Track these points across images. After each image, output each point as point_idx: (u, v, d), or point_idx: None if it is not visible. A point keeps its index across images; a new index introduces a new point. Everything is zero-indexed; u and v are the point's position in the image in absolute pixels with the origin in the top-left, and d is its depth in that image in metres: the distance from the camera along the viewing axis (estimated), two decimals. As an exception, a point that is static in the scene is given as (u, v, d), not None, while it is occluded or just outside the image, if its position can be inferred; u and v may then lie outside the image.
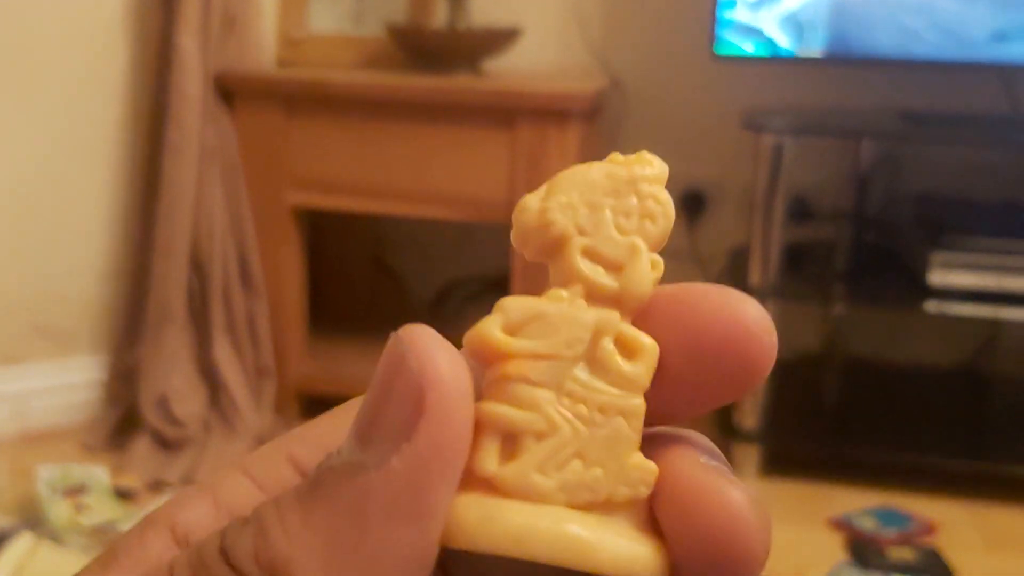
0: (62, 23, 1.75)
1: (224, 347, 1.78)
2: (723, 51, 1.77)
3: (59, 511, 1.50)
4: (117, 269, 1.87)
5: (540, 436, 0.20)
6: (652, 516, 0.21)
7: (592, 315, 0.21)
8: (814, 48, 1.76)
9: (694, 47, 1.90)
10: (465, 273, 2.17)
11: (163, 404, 1.74)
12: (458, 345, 0.21)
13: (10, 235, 1.78)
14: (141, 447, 1.71)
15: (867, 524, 1.58)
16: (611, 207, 0.21)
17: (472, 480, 0.20)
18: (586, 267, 0.21)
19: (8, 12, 1.71)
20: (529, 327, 0.20)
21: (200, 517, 0.21)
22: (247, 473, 0.22)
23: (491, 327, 0.21)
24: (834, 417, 1.91)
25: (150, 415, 1.73)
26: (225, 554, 0.19)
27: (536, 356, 0.20)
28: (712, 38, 1.77)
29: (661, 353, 0.21)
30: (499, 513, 0.20)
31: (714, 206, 2.06)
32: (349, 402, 0.23)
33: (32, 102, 1.76)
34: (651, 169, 0.22)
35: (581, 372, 0.20)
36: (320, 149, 1.77)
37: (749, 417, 1.74)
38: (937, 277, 1.66)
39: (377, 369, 0.20)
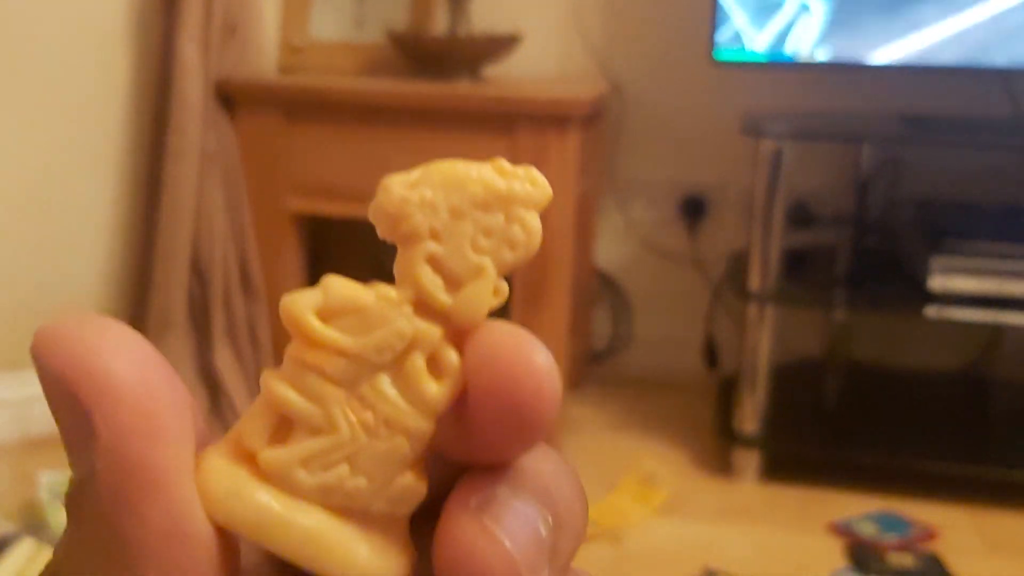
0: (64, 31, 1.76)
1: (225, 352, 1.78)
2: (722, 56, 1.77)
3: (60, 517, 1.50)
4: (118, 275, 1.87)
5: (316, 431, 0.20)
6: (405, 539, 0.20)
7: (413, 327, 0.20)
8: (813, 53, 1.76)
9: (694, 52, 1.90)
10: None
11: (164, 410, 1.74)
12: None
13: (11, 241, 1.78)
14: (142, 453, 1.71)
15: (867, 529, 1.58)
16: (474, 220, 0.20)
17: (241, 448, 0.20)
18: (426, 276, 0.20)
19: (11, 20, 1.71)
20: (346, 318, 0.20)
21: None
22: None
23: (305, 309, 0.20)
24: (834, 422, 1.91)
25: (151, 421, 1.73)
26: None
27: (341, 352, 0.20)
28: (711, 44, 1.77)
29: (466, 386, 0.20)
30: (247, 492, 0.19)
31: (714, 211, 2.06)
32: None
33: (34, 109, 1.76)
34: (532, 189, 0.20)
35: (382, 378, 0.20)
36: (321, 155, 1.77)
37: (749, 422, 1.74)
38: (938, 282, 1.66)
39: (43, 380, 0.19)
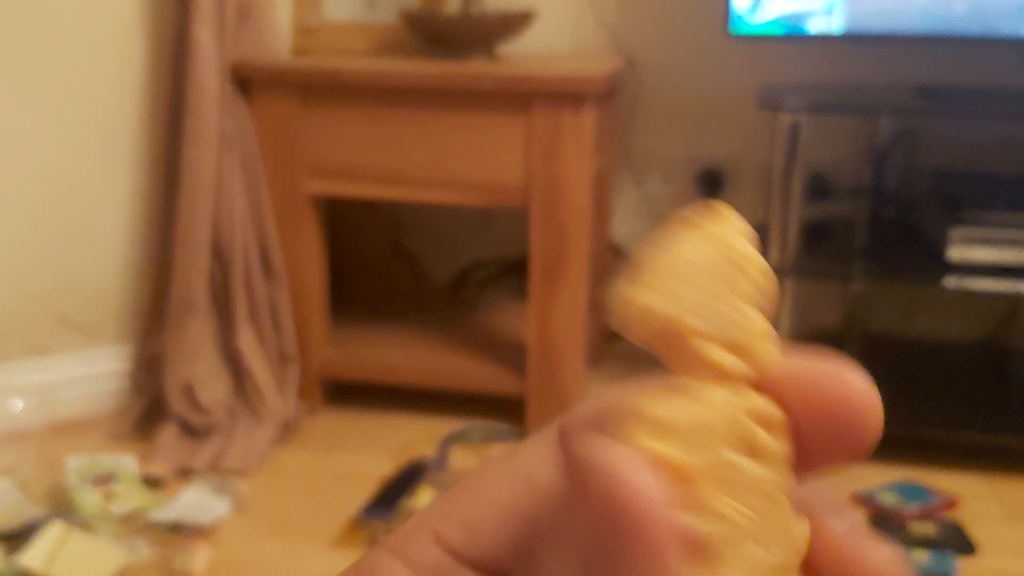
0: (79, 17, 1.77)
1: (247, 334, 1.79)
2: (738, 30, 1.77)
3: (89, 500, 1.52)
4: (140, 260, 1.88)
5: (725, 539, 0.20)
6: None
7: (739, 405, 0.20)
8: (830, 25, 1.75)
9: (709, 26, 1.90)
10: (483, 256, 2.18)
11: (188, 392, 1.76)
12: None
13: (33, 228, 1.80)
14: (168, 435, 1.73)
15: (889, 499, 1.58)
16: (718, 287, 0.21)
17: None
18: (717, 354, 0.21)
19: (27, 9, 1.73)
20: (692, 436, 0.20)
21: None
22: (398, 555, 0.23)
23: (663, 448, 0.20)
24: (855, 393, 1.91)
25: (176, 403, 1.75)
26: None
27: (712, 468, 0.20)
28: (727, 17, 1.76)
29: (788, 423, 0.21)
30: None
31: (732, 185, 2.06)
32: (475, 473, 0.24)
33: (51, 96, 1.78)
34: (737, 229, 0.21)
35: (742, 461, 0.20)
36: (337, 137, 1.78)
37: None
38: (956, 252, 1.66)
39: (577, 491, 0.19)
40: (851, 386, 0.21)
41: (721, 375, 0.21)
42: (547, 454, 0.22)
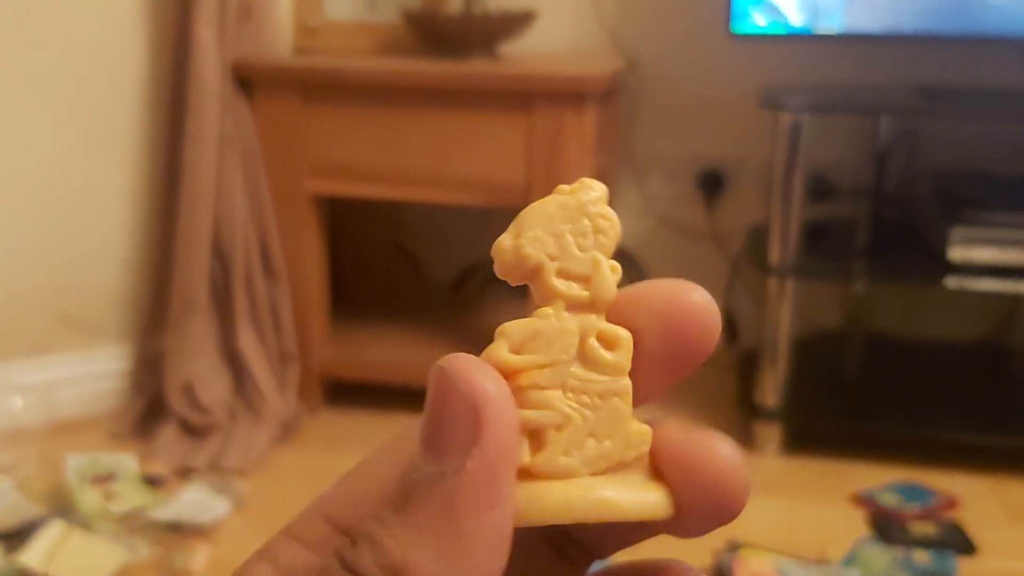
0: (80, 15, 1.77)
1: (247, 334, 1.79)
2: (739, 29, 1.76)
3: (89, 499, 1.52)
4: (140, 259, 1.89)
5: (558, 427, 0.25)
6: (655, 467, 0.26)
7: (575, 323, 0.25)
8: (831, 24, 1.75)
9: (710, 26, 1.90)
10: (483, 257, 2.17)
11: (188, 391, 1.76)
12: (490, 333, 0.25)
13: (34, 228, 1.80)
14: (168, 434, 1.73)
15: (889, 499, 1.58)
16: (570, 231, 0.25)
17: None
18: (562, 285, 0.25)
19: (28, 7, 1.73)
20: (529, 344, 0.25)
21: None
22: (292, 535, 0.26)
23: (500, 351, 0.25)
24: (855, 394, 1.92)
25: (176, 402, 1.75)
26: (350, 570, 0.23)
27: (541, 366, 0.25)
28: (728, 16, 1.76)
29: (636, 340, 0.25)
30: (541, 493, 0.24)
31: (732, 185, 2.06)
32: (364, 461, 0.27)
33: (52, 95, 1.78)
34: (594, 193, 0.26)
35: (577, 369, 0.25)
36: (338, 136, 1.78)
37: (771, 395, 1.75)
38: (957, 252, 1.66)
39: (429, 395, 0.23)
40: (690, 298, 0.26)
41: (570, 303, 0.25)
42: None
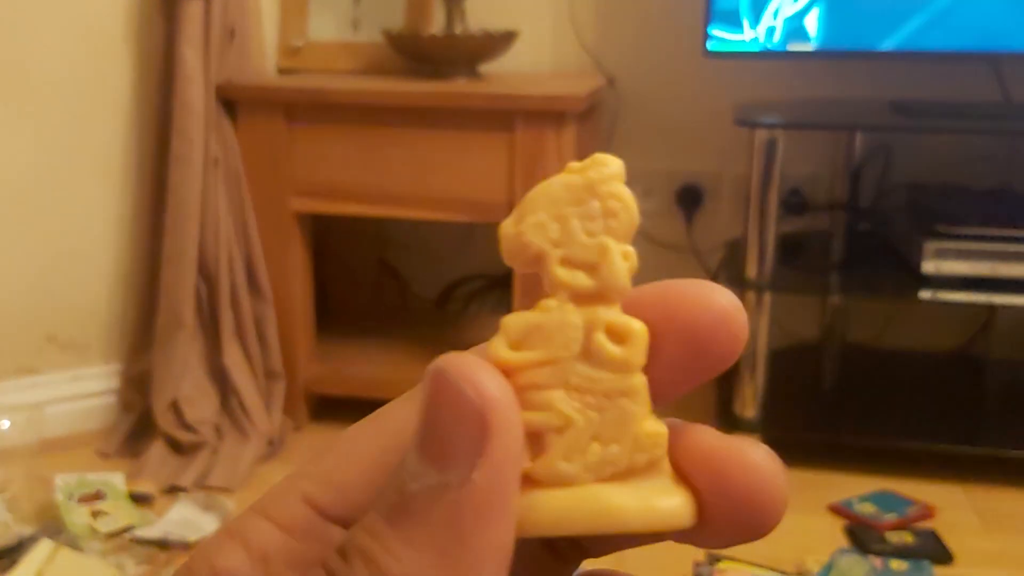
0: (65, 37, 1.78)
1: (233, 352, 1.81)
2: (715, 48, 1.80)
3: (77, 518, 1.53)
4: (127, 279, 1.90)
5: (559, 430, 0.23)
6: (681, 472, 0.23)
7: (579, 316, 0.23)
8: (805, 42, 1.79)
9: (686, 45, 1.93)
10: (467, 272, 2.20)
11: (175, 410, 1.77)
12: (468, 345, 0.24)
13: (21, 248, 1.81)
14: (155, 453, 1.74)
15: (866, 509, 1.61)
16: (576, 215, 0.23)
17: None
18: (565, 275, 0.23)
19: (12, 27, 1.74)
20: (530, 339, 0.23)
21: (237, 564, 0.23)
22: (266, 515, 0.24)
23: (498, 347, 0.23)
24: (832, 404, 1.94)
25: (163, 421, 1.76)
26: None
27: (540, 363, 0.23)
28: (704, 36, 1.79)
29: (655, 339, 0.23)
30: (537, 502, 0.22)
31: (710, 200, 2.08)
32: (345, 433, 0.25)
33: (38, 116, 1.79)
34: (606, 169, 0.23)
35: (582, 367, 0.23)
36: (322, 155, 1.80)
37: (749, 406, 1.77)
38: (931, 265, 1.69)
39: (426, 399, 0.22)
40: (718, 301, 0.23)
41: (576, 294, 0.23)
42: (414, 409, 0.22)
